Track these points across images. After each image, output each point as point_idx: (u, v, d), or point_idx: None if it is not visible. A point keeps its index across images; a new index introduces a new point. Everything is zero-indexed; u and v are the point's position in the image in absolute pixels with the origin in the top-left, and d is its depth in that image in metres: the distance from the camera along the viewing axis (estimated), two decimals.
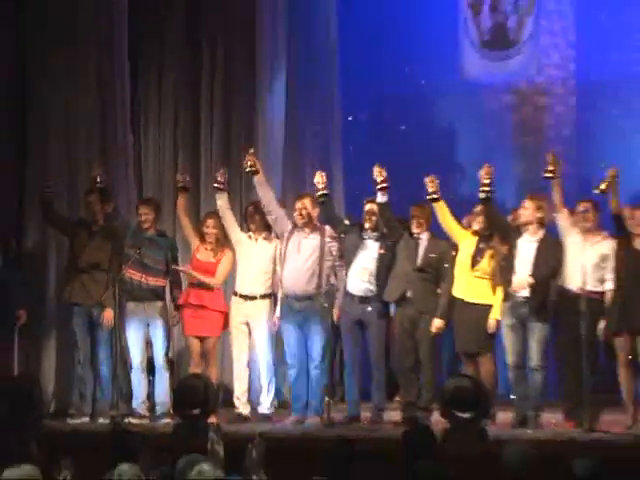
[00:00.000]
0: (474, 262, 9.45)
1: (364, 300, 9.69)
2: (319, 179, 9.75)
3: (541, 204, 9.35)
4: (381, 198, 9.53)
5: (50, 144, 11.18)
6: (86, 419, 10.13)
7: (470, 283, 9.46)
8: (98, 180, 10.26)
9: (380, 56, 12.38)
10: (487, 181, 9.23)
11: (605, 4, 12.02)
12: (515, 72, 12.46)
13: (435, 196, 9.39)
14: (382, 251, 9.68)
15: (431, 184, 9.37)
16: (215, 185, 10.03)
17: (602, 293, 9.15)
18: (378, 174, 9.47)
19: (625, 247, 9.10)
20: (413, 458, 6.89)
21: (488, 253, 9.45)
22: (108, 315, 10.01)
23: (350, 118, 12.33)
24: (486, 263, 9.45)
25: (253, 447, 6.11)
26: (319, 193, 9.74)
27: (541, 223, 9.36)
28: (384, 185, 9.46)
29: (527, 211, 9.35)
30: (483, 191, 9.26)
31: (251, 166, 9.81)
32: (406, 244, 9.69)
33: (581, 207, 9.25)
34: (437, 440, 7.26)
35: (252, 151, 10.06)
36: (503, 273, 9.36)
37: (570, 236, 9.27)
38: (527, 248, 9.32)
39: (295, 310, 9.72)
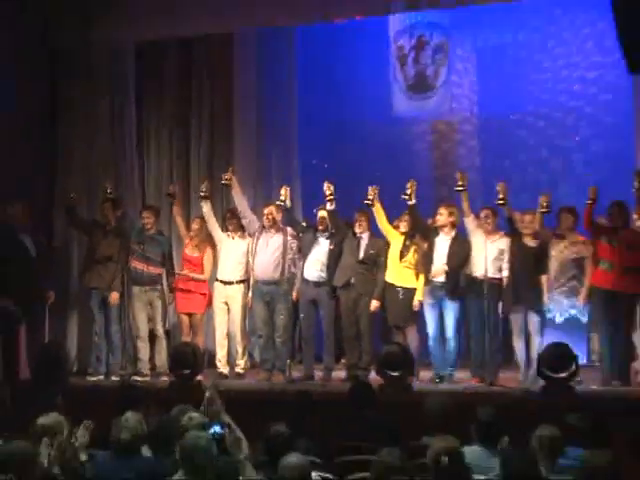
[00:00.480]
0: (402, 255, 9.41)
1: (317, 284, 9.62)
2: (283, 192, 9.64)
3: (452, 210, 9.34)
4: (329, 206, 9.47)
5: (74, 165, 11.12)
6: (101, 377, 10.04)
7: (399, 271, 9.40)
8: (108, 191, 10.18)
9: (330, 98, 12.30)
10: (408, 191, 9.18)
11: (500, 58, 12.05)
12: (433, 109, 12.47)
13: (372, 202, 9.33)
14: (331, 247, 9.61)
15: (372, 192, 9.32)
16: (201, 194, 9.96)
17: (500, 279, 9.12)
18: (327, 189, 9.40)
19: (516, 243, 9.08)
20: (356, 406, 6.91)
21: (413, 248, 9.42)
22: (115, 296, 9.99)
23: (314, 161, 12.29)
24: (411, 256, 9.41)
25: (209, 396, 5.95)
26: (283, 202, 9.65)
27: (453, 225, 9.34)
28: (331, 197, 9.39)
29: (442, 216, 9.33)
30: (409, 199, 9.23)
31: (228, 179, 9.77)
32: (350, 241, 9.63)
33: (483, 213, 9.22)
34: (374, 393, 7.26)
35: (232, 169, 10.02)
36: (424, 264, 9.34)
37: (475, 235, 9.26)
38: (442, 244, 9.31)
39: (264, 292, 9.68)
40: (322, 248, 9.64)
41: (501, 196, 8.95)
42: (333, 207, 9.45)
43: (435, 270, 9.23)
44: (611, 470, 4.47)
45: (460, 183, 9.16)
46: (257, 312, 9.78)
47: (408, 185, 9.21)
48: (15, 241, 9.73)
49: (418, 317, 9.46)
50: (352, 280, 9.49)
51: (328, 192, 9.37)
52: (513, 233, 9.11)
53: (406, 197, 9.18)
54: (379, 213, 9.44)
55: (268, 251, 9.65)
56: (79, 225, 10.44)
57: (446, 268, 9.19)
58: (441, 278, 9.22)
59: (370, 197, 9.30)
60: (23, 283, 9.67)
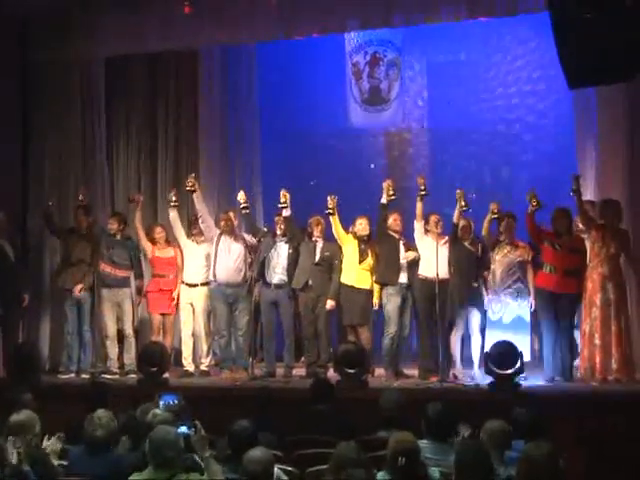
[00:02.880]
0: (361, 259, 9.37)
1: (278, 286, 9.61)
2: (242, 196, 9.62)
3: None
4: (285, 213, 9.45)
5: (46, 173, 11.08)
6: (72, 375, 9.96)
7: (359, 274, 9.36)
8: (80, 199, 10.16)
9: (291, 109, 12.29)
10: (392, 191, 9.13)
11: (449, 74, 12.13)
12: (386, 121, 12.52)
13: (332, 211, 9.29)
14: (290, 251, 9.62)
15: (331, 202, 9.25)
16: (170, 203, 9.91)
17: (449, 279, 9.10)
18: (282, 196, 9.38)
19: (456, 246, 9.14)
20: (316, 402, 6.90)
21: (370, 252, 9.39)
22: (79, 288, 9.93)
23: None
24: (370, 259, 9.38)
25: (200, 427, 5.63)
26: (243, 206, 9.61)
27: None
28: (285, 205, 9.35)
29: (399, 222, 9.32)
30: (388, 197, 9.14)
31: (191, 186, 9.73)
32: (307, 245, 9.63)
33: (434, 218, 9.18)
34: (332, 388, 7.25)
35: (194, 175, 9.96)
36: (385, 267, 9.30)
37: (424, 239, 9.24)
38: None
39: (227, 294, 9.67)
40: (282, 252, 9.64)
41: (463, 202, 8.95)
42: (289, 214, 9.44)
43: (408, 254, 9.23)
44: (549, 460, 4.46)
45: (423, 188, 9.14)
46: (219, 313, 9.75)
47: (385, 185, 9.17)
48: None
49: (372, 317, 9.45)
50: (310, 282, 9.48)
51: (283, 199, 9.37)
52: (454, 237, 9.15)
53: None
54: (336, 221, 9.36)
55: (231, 257, 9.64)
56: (55, 231, 10.40)
57: (417, 254, 9.20)
58: (404, 279, 9.22)
59: (330, 206, 9.23)
60: (3, 287, 9.70)
